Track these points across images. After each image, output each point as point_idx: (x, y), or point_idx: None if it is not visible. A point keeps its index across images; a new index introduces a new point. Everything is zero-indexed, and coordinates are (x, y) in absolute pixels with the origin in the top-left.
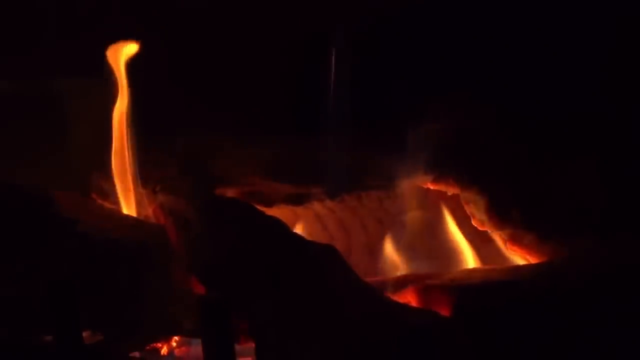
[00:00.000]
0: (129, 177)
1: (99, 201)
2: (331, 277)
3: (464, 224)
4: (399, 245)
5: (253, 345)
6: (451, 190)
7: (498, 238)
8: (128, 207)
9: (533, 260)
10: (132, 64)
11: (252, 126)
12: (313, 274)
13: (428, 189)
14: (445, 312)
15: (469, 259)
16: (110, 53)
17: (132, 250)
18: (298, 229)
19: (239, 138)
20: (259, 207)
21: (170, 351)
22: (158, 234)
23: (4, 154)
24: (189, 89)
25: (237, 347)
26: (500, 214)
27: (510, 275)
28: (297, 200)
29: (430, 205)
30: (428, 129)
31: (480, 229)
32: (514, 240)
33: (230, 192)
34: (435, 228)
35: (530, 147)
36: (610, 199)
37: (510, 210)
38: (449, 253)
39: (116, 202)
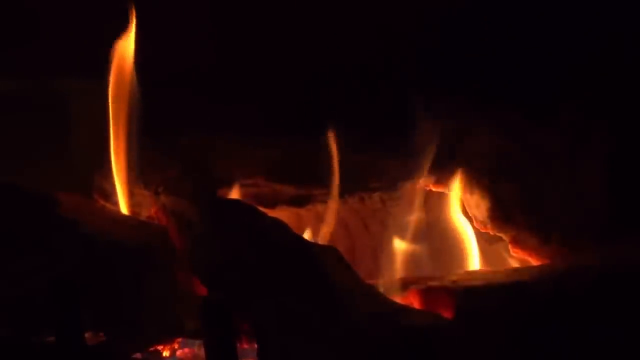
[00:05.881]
0: (125, 178)
1: (101, 202)
2: (333, 278)
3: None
4: (401, 247)
5: (255, 346)
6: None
7: (500, 240)
8: (125, 208)
9: (535, 262)
10: (135, 64)
11: (254, 127)
12: (315, 275)
13: (430, 190)
14: (447, 313)
15: (474, 261)
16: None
17: (134, 252)
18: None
19: (242, 139)
20: (261, 208)
21: (172, 352)
22: (160, 235)
23: (6, 155)
24: (192, 89)
25: (239, 348)
26: (502, 217)
27: (512, 277)
28: (300, 201)
29: (433, 206)
30: (430, 131)
31: (482, 230)
32: (517, 242)
33: (232, 194)
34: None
35: (532, 149)
36: (614, 202)
37: (512, 213)
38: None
39: (115, 203)
